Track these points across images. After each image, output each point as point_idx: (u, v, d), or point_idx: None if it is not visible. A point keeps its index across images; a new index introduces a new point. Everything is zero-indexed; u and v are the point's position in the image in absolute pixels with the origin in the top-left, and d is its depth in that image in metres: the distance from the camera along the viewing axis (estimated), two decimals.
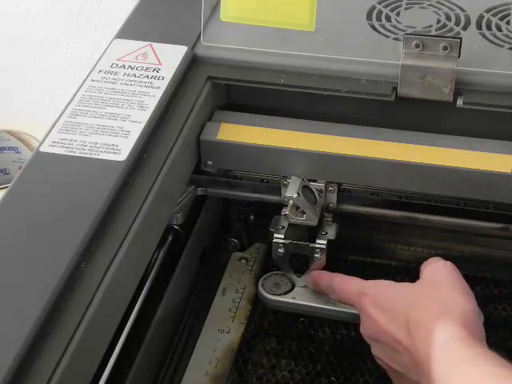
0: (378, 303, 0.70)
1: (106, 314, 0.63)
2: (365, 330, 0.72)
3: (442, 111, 0.81)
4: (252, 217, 0.94)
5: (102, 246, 0.64)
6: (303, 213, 0.80)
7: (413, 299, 0.67)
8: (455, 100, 0.78)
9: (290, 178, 0.80)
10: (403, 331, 0.66)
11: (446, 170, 0.77)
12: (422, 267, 0.72)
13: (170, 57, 0.83)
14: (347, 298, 0.75)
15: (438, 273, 0.69)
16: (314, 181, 0.81)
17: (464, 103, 0.78)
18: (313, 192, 0.80)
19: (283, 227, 0.81)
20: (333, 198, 0.82)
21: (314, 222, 0.80)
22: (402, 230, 0.90)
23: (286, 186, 0.81)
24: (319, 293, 0.82)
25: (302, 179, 0.79)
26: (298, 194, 0.78)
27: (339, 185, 0.81)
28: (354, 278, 0.75)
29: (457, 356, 0.59)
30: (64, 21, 1.49)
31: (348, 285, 0.75)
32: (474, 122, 0.80)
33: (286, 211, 0.80)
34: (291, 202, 0.79)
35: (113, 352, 0.70)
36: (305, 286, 0.84)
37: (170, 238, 0.82)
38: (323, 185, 0.81)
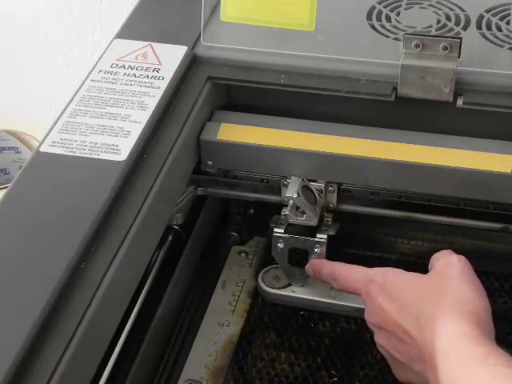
0: (387, 291, 0.69)
1: (106, 314, 0.63)
2: (370, 317, 0.71)
3: (442, 111, 0.81)
4: (252, 210, 0.94)
5: (101, 246, 0.64)
6: (303, 213, 0.80)
7: (424, 291, 0.66)
8: (455, 100, 0.78)
9: (289, 178, 0.80)
10: (412, 322, 0.65)
11: (446, 170, 0.77)
12: (433, 260, 0.71)
13: (170, 57, 0.83)
14: (352, 285, 0.74)
15: (451, 267, 0.68)
16: (314, 181, 0.81)
17: (464, 103, 0.78)
18: (313, 192, 0.80)
19: (283, 224, 0.81)
20: (333, 198, 0.82)
21: (313, 222, 0.80)
22: (402, 223, 0.90)
23: (286, 186, 0.81)
24: (319, 285, 0.82)
25: (302, 179, 0.79)
26: (297, 194, 0.78)
27: (339, 185, 0.81)
28: (358, 266, 0.75)
29: (467, 354, 0.59)
30: (64, 21, 1.49)
31: (353, 272, 0.74)
32: (473, 122, 0.80)
33: (286, 211, 0.80)
34: (291, 202, 0.79)
35: (113, 352, 0.70)
36: (302, 286, 0.84)
37: (170, 238, 0.83)
38: (323, 185, 0.81)
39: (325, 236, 0.80)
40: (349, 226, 0.84)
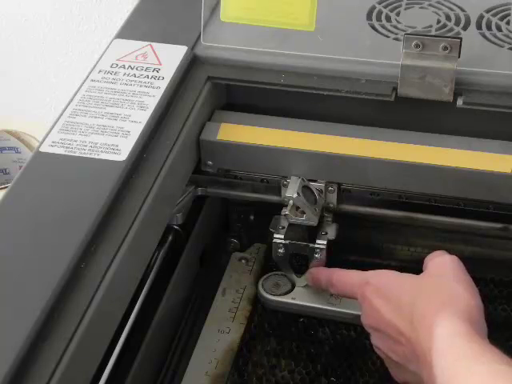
0: (382, 292, 0.69)
1: (106, 314, 0.63)
2: (366, 319, 0.71)
3: (442, 111, 0.81)
4: (252, 217, 0.94)
5: (101, 246, 0.64)
6: (303, 213, 0.80)
7: (417, 291, 0.67)
8: (455, 100, 0.78)
9: (289, 178, 0.80)
10: (406, 323, 0.66)
11: (446, 170, 0.77)
12: (426, 260, 0.72)
13: (170, 57, 0.83)
14: (349, 289, 0.74)
15: (444, 267, 0.69)
16: (314, 181, 0.81)
17: (464, 103, 0.78)
18: (313, 192, 0.80)
19: (283, 227, 0.81)
20: (333, 197, 0.82)
21: (313, 222, 0.80)
22: (401, 230, 0.90)
23: (286, 186, 0.81)
24: (319, 292, 0.82)
25: (302, 179, 0.79)
26: (298, 194, 0.78)
27: (339, 185, 0.81)
28: (353, 270, 0.75)
29: (461, 352, 0.59)
30: (64, 21, 1.49)
31: (349, 276, 0.75)
32: (474, 122, 0.80)
33: (285, 211, 0.80)
34: (291, 202, 0.79)
35: (113, 352, 0.70)
36: (305, 286, 0.84)
37: (169, 238, 0.82)
38: (323, 185, 0.81)
39: (324, 242, 0.81)
40: (348, 233, 0.84)
